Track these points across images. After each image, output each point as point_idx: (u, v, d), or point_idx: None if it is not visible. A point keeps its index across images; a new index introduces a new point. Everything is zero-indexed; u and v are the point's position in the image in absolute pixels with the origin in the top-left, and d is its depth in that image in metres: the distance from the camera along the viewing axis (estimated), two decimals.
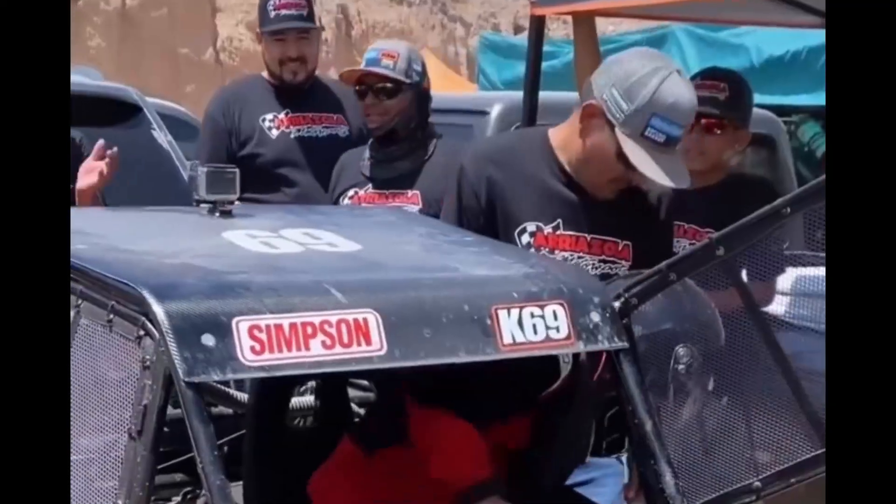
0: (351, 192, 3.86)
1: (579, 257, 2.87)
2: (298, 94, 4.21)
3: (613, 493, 2.61)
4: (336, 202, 3.89)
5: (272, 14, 4.19)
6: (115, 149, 3.68)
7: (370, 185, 3.86)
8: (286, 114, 4.19)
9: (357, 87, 3.89)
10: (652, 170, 2.81)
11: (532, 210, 2.91)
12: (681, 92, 2.86)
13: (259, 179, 4.04)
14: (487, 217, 2.92)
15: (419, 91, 3.88)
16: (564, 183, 2.92)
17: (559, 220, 2.90)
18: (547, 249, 2.89)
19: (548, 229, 2.90)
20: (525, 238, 2.90)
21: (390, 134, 3.86)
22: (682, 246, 3.21)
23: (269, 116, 4.19)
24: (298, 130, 4.17)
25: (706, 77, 3.61)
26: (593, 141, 2.88)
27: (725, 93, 3.53)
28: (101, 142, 3.70)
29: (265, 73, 4.31)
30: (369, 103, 3.85)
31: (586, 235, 2.90)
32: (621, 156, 2.83)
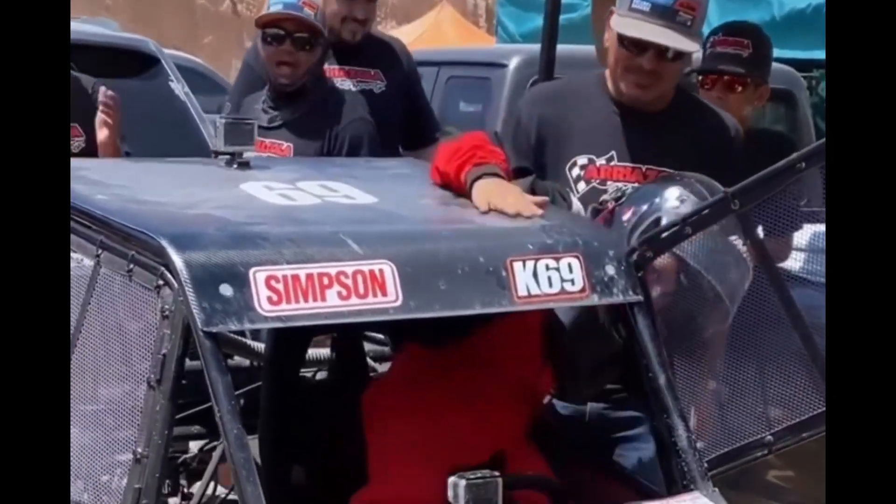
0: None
1: (634, 188, 2.86)
2: (338, 47, 4.09)
3: (652, 451, 2.63)
4: None
5: None
6: (110, 92, 3.64)
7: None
8: (331, 64, 4.09)
9: (268, 32, 3.67)
10: (637, 31, 2.86)
11: (583, 143, 2.93)
12: None
13: None
14: (536, 156, 2.94)
15: (325, 47, 3.78)
16: (618, 114, 2.94)
17: (613, 153, 2.92)
18: (598, 181, 2.90)
19: (601, 161, 2.92)
20: (575, 171, 2.92)
21: (299, 91, 3.73)
22: None
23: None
24: (341, 82, 4.09)
25: (729, 33, 3.59)
26: (609, 39, 2.95)
27: (749, 49, 3.50)
28: (102, 89, 3.68)
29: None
30: (285, 50, 3.64)
31: (641, 167, 2.91)
32: (620, 37, 2.88)
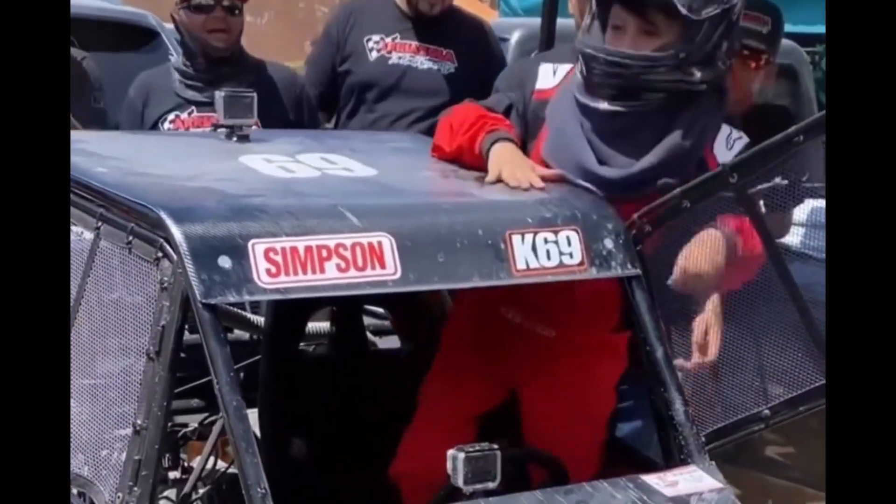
0: (171, 117, 3.73)
1: None
2: (418, 21, 4.03)
3: (645, 424, 2.63)
4: (151, 129, 3.70)
5: None
6: None
7: (194, 109, 3.73)
8: (394, 38, 4.03)
9: (195, 2, 3.70)
10: None
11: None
12: None
13: (346, 99, 4.00)
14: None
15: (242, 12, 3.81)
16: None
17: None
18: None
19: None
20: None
21: (230, 58, 3.75)
22: None
23: (376, 38, 4.03)
24: (400, 58, 4.02)
25: (751, 7, 3.56)
26: None
27: (768, 26, 3.48)
28: None
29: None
30: (216, 17, 3.68)
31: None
32: None
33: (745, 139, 2.68)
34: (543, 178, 2.53)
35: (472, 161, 2.63)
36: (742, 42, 3.42)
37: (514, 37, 5.31)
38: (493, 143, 2.59)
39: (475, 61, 4.01)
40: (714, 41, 2.57)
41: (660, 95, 2.58)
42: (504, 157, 2.57)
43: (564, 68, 2.72)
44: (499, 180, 2.52)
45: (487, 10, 13.44)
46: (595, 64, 2.57)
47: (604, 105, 2.58)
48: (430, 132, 3.12)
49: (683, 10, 2.52)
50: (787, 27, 3.88)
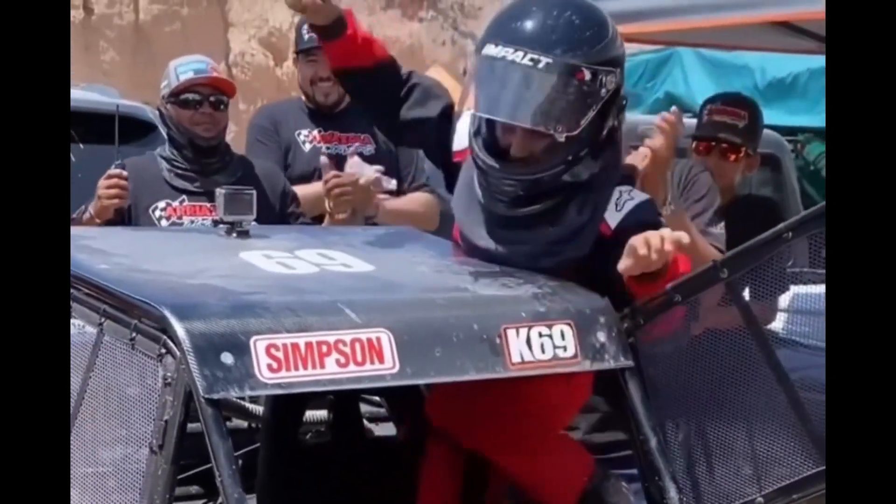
0: (163, 205, 3.83)
1: None
2: (330, 114, 4.29)
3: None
4: (141, 217, 3.79)
5: (306, 36, 4.25)
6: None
7: (185, 198, 3.84)
8: (318, 131, 4.29)
9: (185, 98, 3.85)
10: None
11: None
12: None
13: None
14: None
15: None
16: None
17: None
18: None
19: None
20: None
21: (217, 146, 3.90)
22: None
23: (305, 132, 4.29)
24: (328, 148, 4.26)
25: (727, 103, 3.67)
26: None
27: (745, 121, 3.60)
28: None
29: (302, 96, 4.41)
30: (206, 112, 3.84)
31: None
32: None
33: (637, 199, 2.71)
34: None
35: None
36: (718, 136, 3.52)
37: None
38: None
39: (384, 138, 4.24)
40: (602, 128, 2.64)
41: (556, 198, 2.66)
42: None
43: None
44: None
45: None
46: (491, 179, 2.65)
47: (501, 209, 2.67)
48: None
49: (560, 138, 2.59)
50: (767, 119, 3.98)
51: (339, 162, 4.21)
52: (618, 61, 2.64)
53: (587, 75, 2.55)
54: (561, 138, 2.57)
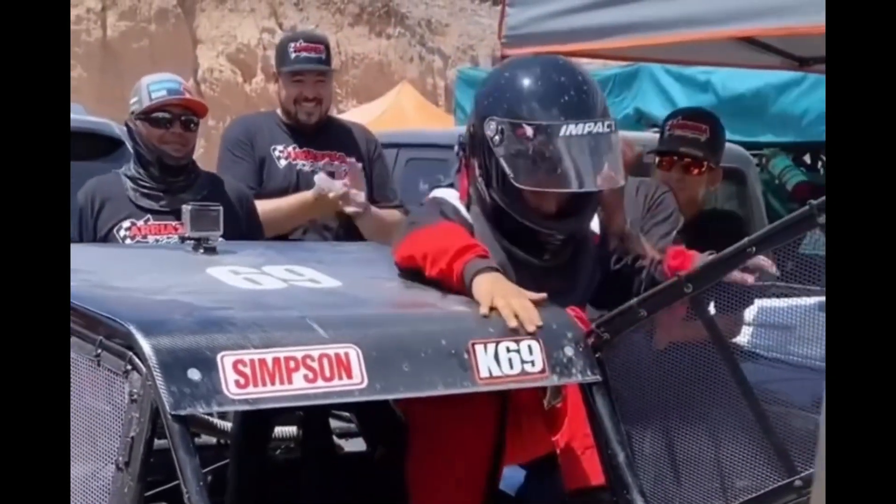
0: (127, 224, 3.80)
1: None
2: (307, 131, 4.30)
3: None
4: (105, 237, 3.76)
5: (292, 55, 4.27)
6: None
7: (150, 217, 3.81)
8: (294, 148, 4.29)
9: (156, 116, 3.81)
10: None
11: None
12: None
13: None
14: None
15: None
16: None
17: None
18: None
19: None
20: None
21: (185, 165, 3.89)
22: None
23: (280, 147, 4.29)
24: (303, 165, 4.27)
25: (689, 118, 3.71)
26: None
27: (707, 135, 3.63)
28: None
29: (279, 111, 4.41)
30: (176, 132, 3.82)
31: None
32: None
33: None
34: (533, 301, 2.54)
35: (457, 287, 2.60)
36: (680, 150, 3.56)
37: None
38: (475, 274, 2.57)
39: (365, 161, 4.31)
40: None
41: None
42: (493, 289, 2.53)
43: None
44: (492, 309, 2.49)
45: (443, 115, 13.66)
46: (541, 236, 2.81)
47: (537, 261, 2.82)
48: None
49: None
50: (733, 136, 4.02)
51: (311, 178, 4.23)
52: None
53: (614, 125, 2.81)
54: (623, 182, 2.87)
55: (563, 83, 2.75)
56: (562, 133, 2.69)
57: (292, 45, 4.31)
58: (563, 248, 2.86)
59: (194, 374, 2.14)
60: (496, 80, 2.88)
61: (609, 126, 2.75)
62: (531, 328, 2.44)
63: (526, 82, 2.77)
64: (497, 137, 2.73)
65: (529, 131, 2.69)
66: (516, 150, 2.71)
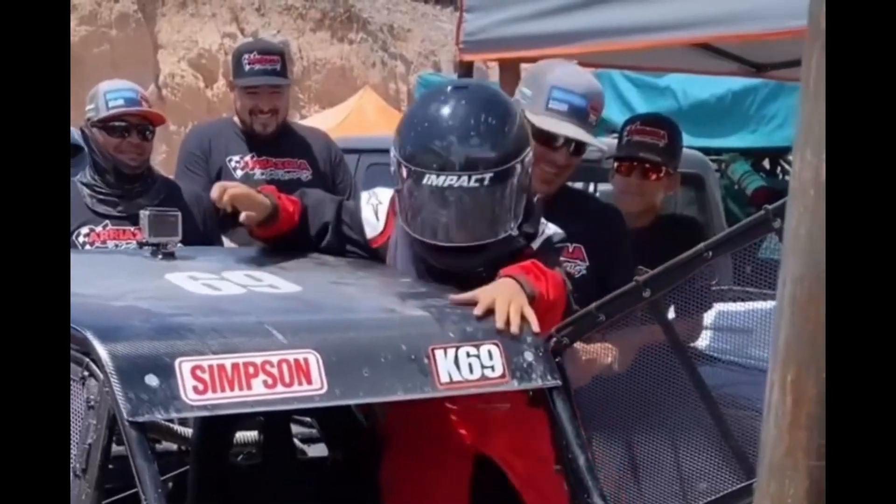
0: (86, 230, 3.81)
1: None
2: (265, 139, 4.28)
3: None
4: None
5: (246, 67, 4.25)
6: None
7: (108, 222, 3.83)
8: (252, 157, 4.27)
9: (113, 125, 3.84)
10: (558, 128, 3.04)
11: None
12: (575, 71, 3.15)
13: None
14: None
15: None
16: None
17: None
18: None
19: None
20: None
21: (142, 173, 3.90)
22: None
23: (236, 157, 4.27)
24: (262, 173, 4.24)
25: (646, 123, 3.73)
26: None
27: (665, 140, 3.65)
28: None
29: (235, 119, 4.39)
30: (133, 142, 3.84)
31: None
32: (535, 130, 2.89)
33: (551, 230, 2.84)
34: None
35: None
36: (640, 155, 3.60)
37: None
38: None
39: (326, 166, 4.32)
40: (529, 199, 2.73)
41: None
42: (494, 290, 2.55)
43: (384, 208, 2.86)
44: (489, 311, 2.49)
45: None
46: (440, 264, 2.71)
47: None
48: None
49: (514, 233, 2.67)
50: (690, 140, 4.04)
51: (279, 187, 4.21)
52: (526, 134, 2.69)
53: (518, 168, 2.62)
54: (515, 233, 2.66)
55: (450, 127, 2.60)
56: (424, 181, 2.60)
57: (246, 56, 4.28)
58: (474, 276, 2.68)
59: (152, 381, 2.13)
60: (410, 109, 2.86)
61: (479, 181, 2.56)
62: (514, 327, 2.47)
63: (416, 121, 2.68)
64: (392, 168, 2.70)
65: (404, 172, 2.63)
66: (399, 185, 2.68)
